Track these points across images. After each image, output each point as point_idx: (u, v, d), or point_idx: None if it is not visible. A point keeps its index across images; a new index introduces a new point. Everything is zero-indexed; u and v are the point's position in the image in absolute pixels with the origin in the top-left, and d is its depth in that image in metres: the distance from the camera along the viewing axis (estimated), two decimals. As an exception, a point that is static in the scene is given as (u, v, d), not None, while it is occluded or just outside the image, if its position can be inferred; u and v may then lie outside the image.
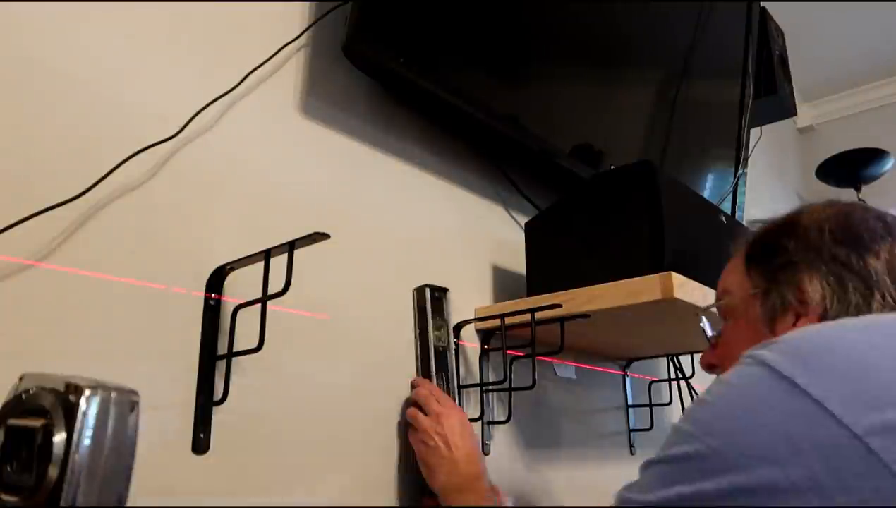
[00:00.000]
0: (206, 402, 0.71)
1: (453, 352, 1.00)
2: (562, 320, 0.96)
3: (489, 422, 1.06)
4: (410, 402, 0.91)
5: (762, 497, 0.39)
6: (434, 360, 0.96)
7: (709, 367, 0.74)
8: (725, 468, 0.41)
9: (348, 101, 0.98)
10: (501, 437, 1.09)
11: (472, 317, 1.06)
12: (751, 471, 0.40)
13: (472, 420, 1.03)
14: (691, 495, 0.42)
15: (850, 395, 0.40)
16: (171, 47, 0.78)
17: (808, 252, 0.61)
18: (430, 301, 0.99)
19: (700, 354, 0.77)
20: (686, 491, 0.42)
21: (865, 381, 0.41)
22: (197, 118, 0.76)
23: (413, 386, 0.94)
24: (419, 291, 1.00)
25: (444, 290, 1.02)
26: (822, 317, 0.58)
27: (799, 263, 0.61)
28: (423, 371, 0.96)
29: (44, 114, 0.66)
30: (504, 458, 1.09)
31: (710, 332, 0.76)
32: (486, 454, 1.06)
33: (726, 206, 1.68)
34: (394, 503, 0.89)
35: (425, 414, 0.86)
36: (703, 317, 0.76)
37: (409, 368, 0.97)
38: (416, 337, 0.98)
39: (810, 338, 0.46)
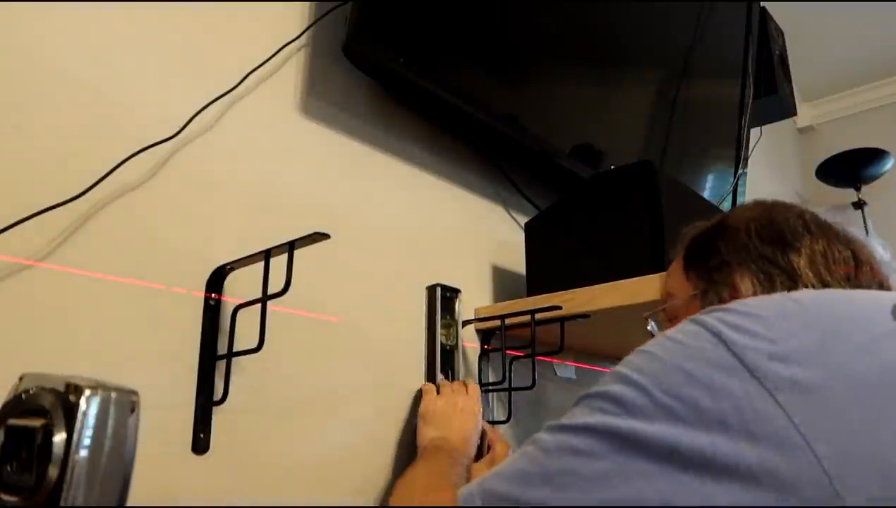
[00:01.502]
0: (206, 402, 0.71)
1: (461, 352, 1.03)
2: (562, 320, 0.96)
3: (489, 422, 1.06)
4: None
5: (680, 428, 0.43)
6: (440, 358, 0.98)
7: None
8: (661, 415, 0.44)
9: (348, 101, 0.98)
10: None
11: (473, 318, 1.06)
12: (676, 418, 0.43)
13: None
14: (623, 426, 0.44)
15: (766, 352, 0.44)
16: (172, 47, 0.78)
17: (739, 252, 0.64)
18: (440, 300, 1.01)
19: None
20: (617, 423, 0.45)
21: (780, 341, 0.45)
22: (197, 118, 0.76)
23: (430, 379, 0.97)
24: (430, 290, 1.02)
25: (456, 291, 1.04)
26: None
27: (731, 263, 0.64)
28: (429, 368, 0.98)
29: (44, 114, 0.66)
30: (504, 458, 1.09)
31: (655, 333, 0.78)
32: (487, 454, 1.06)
33: (726, 206, 1.68)
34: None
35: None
36: (651, 320, 0.79)
37: (409, 368, 0.97)
38: (425, 334, 1.00)
39: (742, 304, 0.51)
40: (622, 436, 0.44)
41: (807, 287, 0.59)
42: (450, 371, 1.00)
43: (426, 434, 0.86)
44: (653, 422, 0.44)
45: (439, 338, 0.99)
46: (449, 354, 1.00)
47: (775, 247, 0.62)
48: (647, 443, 0.43)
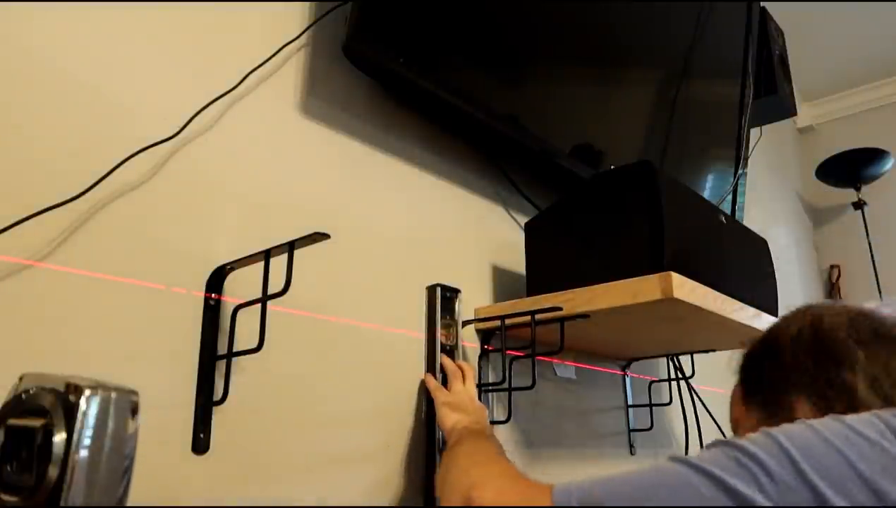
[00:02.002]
0: (206, 402, 0.71)
1: (461, 352, 1.02)
2: (562, 320, 0.96)
3: (490, 422, 1.06)
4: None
5: None
6: (440, 358, 0.98)
7: None
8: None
9: (348, 101, 0.98)
10: (501, 437, 1.09)
11: (473, 318, 1.06)
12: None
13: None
14: (741, 492, 0.43)
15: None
16: (172, 47, 0.78)
17: (791, 374, 0.61)
18: (440, 300, 1.01)
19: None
20: (739, 487, 0.43)
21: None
22: (197, 118, 0.76)
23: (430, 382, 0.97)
24: (430, 290, 1.02)
25: (456, 291, 1.04)
26: None
27: (786, 387, 0.61)
28: (429, 368, 0.98)
29: (44, 114, 0.66)
30: (504, 458, 1.09)
31: None
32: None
33: (726, 206, 1.68)
34: (395, 502, 0.89)
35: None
36: None
37: (409, 367, 0.97)
38: (425, 334, 1.00)
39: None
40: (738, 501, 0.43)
41: (868, 408, 0.54)
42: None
43: (458, 419, 0.86)
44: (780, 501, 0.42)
45: (439, 339, 0.99)
46: (449, 354, 1.00)
47: (827, 366, 0.59)
48: None
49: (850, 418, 0.48)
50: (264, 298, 0.68)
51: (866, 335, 0.59)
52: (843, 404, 0.56)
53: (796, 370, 0.61)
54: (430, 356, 0.99)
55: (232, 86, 0.80)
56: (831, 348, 0.60)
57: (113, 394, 0.43)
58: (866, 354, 0.58)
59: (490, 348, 1.09)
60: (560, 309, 0.96)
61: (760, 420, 0.64)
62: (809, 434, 0.47)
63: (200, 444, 0.70)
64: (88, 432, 0.41)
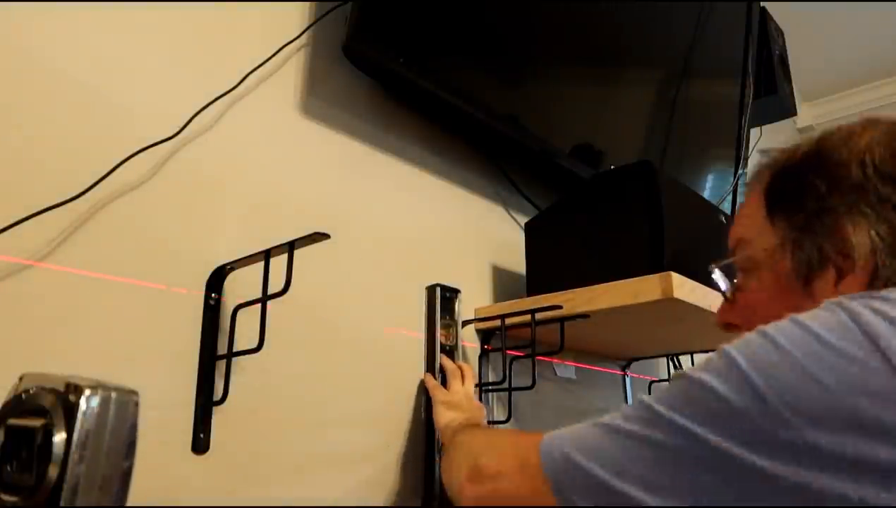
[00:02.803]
0: (206, 402, 0.71)
1: (461, 352, 1.02)
2: (562, 320, 0.96)
3: (489, 422, 1.06)
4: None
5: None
6: (439, 359, 0.98)
7: (726, 326, 0.65)
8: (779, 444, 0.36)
9: (348, 101, 0.98)
10: (501, 437, 1.09)
11: (473, 317, 1.06)
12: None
13: (472, 420, 1.03)
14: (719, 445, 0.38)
15: None
16: (172, 47, 0.78)
17: (849, 193, 0.49)
18: (440, 300, 1.00)
19: (718, 319, 0.66)
20: (712, 438, 0.38)
21: None
22: (197, 118, 0.76)
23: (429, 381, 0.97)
24: (430, 290, 1.02)
25: (456, 291, 1.04)
26: (874, 275, 0.48)
27: (838, 208, 0.50)
28: (429, 368, 0.98)
29: (43, 114, 0.66)
30: (504, 458, 1.09)
31: (724, 286, 0.65)
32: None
33: (726, 206, 1.68)
34: (394, 502, 0.89)
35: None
36: (717, 269, 0.66)
37: (409, 367, 0.97)
38: (425, 335, 1.00)
39: None
40: (711, 452, 0.38)
41: None
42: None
43: (453, 417, 0.84)
44: (767, 455, 0.36)
45: (439, 339, 0.99)
46: (449, 355, 1.00)
47: None
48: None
49: (819, 326, 0.40)
50: (264, 298, 0.68)
51: None
52: None
53: (860, 188, 0.49)
54: (429, 356, 0.99)
55: (232, 87, 0.80)
56: None
57: (113, 394, 0.43)
58: None
59: (490, 348, 1.09)
60: (560, 308, 0.96)
61: (785, 239, 0.54)
62: (766, 348, 0.40)
63: (200, 444, 0.70)
64: (88, 432, 0.41)
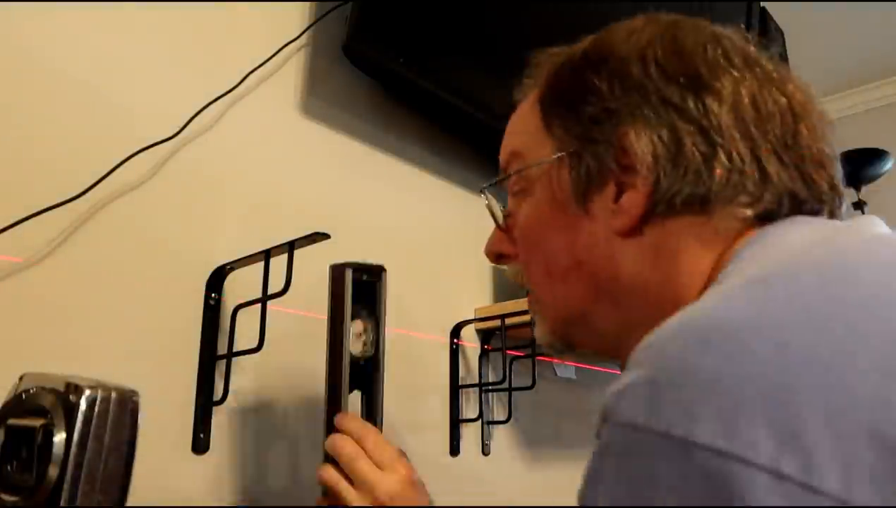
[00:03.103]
0: (206, 402, 0.71)
1: (382, 363, 0.69)
2: (562, 320, 0.96)
3: (489, 422, 1.06)
4: (325, 456, 0.64)
5: None
6: (348, 373, 0.66)
7: (497, 258, 0.57)
8: None
9: (348, 101, 0.98)
10: (501, 437, 1.09)
11: (473, 317, 1.06)
12: None
13: (470, 420, 1.03)
14: None
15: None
16: (172, 47, 0.78)
17: (630, 94, 0.44)
18: (352, 288, 0.67)
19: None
20: None
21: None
22: (197, 118, 0.76)
23: (330, 428, 0.65)
24: (335, 272, 0.68)
25: (378, 272, 0.70)
26: (654, 189, 0.42)
27: (619, 111, 0.44)
28: (332, 387, 0.66)
29: (44, 114, 0.66)
30: (504, 458, 1.09)
31: (498, 213, 0.57)
32: (486, 454, 1.06)
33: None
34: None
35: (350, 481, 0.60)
36: (488, 194, 0.58)
37: (410, 367, 0.97)
38: (327, 337, 0.68)
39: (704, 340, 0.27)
40: None
41: (729, 154, 0.41)
42: (365, 394, 0.68)
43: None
44: None
45: (347, 346, 0.65)
46: (364, 370, 0.67)
47: (685, 89, 0.43)
48: None
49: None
50: (264, 298, 0.68)
51: (736, 55, 0.45)
52: (700, 145, 0.42)
53: (641, 88, 0.43)
54: (332, 370, 0.66)
55: (232, 86, 0.80)
56: (696, 62, 0.44)
57: (113, 394, 0.43)
58: (735, 78, 0.43)
59: (490, 348, 1.09)
60: (560, 309, 0.95)
61: (563, 150, 0.47)
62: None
63: (200, 444, 0.70)
64: (88, 432, 0.41)
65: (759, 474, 0.24)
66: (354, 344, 0.67)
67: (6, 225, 0.59)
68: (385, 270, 0.71)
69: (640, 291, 0.45)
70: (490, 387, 1.05)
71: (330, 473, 0.61)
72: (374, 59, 0.93)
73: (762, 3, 2.01)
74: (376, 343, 0.69)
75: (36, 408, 0.42)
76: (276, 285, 0.66)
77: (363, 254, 0.94)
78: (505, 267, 0.59)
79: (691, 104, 0.42)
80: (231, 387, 0.72)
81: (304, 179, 0.89)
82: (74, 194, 0.64)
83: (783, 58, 2.07)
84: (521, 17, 1.13)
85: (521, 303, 1.03)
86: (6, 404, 0.45)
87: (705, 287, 0.42)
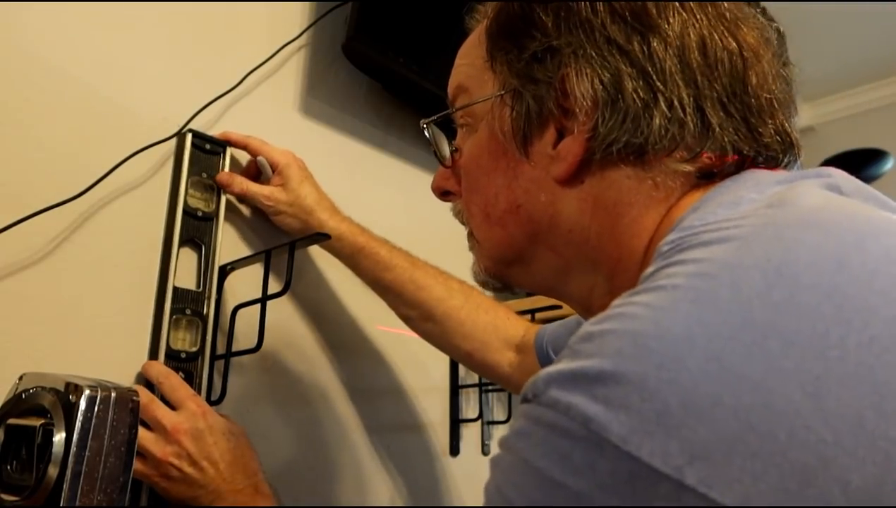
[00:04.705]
0: (204, 401, 0.71)
1: (220, 226, 0.73)
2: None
3: (489, 422, 1.06)
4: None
5: None
6: (180, 228, 0.71)
7: (442, 194, 0.55)
8: None
9: (348, 101, 0.98)
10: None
11: (472, 317, 1.06)
12: None
13: (470, 420, 1.03)
14: None
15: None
16: (172, 47, 0.78)
17: (575, 31, 0.41)
18: (189, 154, 0.73)
19: None
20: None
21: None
22: (197, 118, 0.76)
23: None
24: (178, 142, 0.73)
25: (220, 145, 0.76)
26: (592, 136, 0.41)
27: (562, 50, 0.41)
28: (165, 255, 0.70)
29: (44, 114, 0.66)
30: (504, 458, 1.09)
31: (445, 150, 0.53)
32: (486, 454, 1.06)
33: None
34: (394, 503, 0.89)
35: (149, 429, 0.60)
36: (433, 128, 0.54)
37: (410, 368, 0.97)
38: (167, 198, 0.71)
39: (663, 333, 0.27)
40: None
41: (669, 102, 0.39)
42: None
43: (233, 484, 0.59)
44: None
45: (182, 201, 0.70)
46: (202, 223, 0.72)
47: (632, 28, 0.40)
48: None
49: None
50: (264, 298, 0.68)
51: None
52: (641, 90, 0.39)
53: (587, 26, 0.41)
54: (168, 225, 0.71)
55: (232, 86, 0.80)
56: (646, 4, 0.41)
57: (113, 394, 0.43)
58: (683, 18, 0.41)
59: (490, 348, 1.09)
60: (560, 307, 0.95)
61: (504, 88, 0.45)
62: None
63: (200, 444, 0.70)
64: (88, 432, 0.41)
65: (663, 482, 0.25)
66: (195, 198, 0.72)
67: (6, 225, 0.59)
68: (227, 144, 0.77)
69: (580, 240, 0.44)
70: (490, 387, 1.05)
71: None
72: (373, 58, 0.93)
73: (762, 3, 2.01)
74: (216, 202, 0.75)
75: (36, 408, 0.42)
76: (276, 285, 0.66)
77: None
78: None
79: (636, 46, 0.40)
80: (230, 387, 0.72)
81: (304, 179, 0.89)
82: (74, 194, 0.64)
83: (783, 58, 2.07)
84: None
85: (522, 303, 1.03)
86: (6, 404, 0.45)
87: (647, 249, 0.41)
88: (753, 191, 0.36)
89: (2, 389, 0.50)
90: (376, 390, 0.91)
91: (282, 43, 0.88)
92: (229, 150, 0.78)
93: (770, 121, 0.42)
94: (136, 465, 0.54)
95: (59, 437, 0.40)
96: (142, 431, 0.56)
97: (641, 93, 0.39)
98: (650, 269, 0.33)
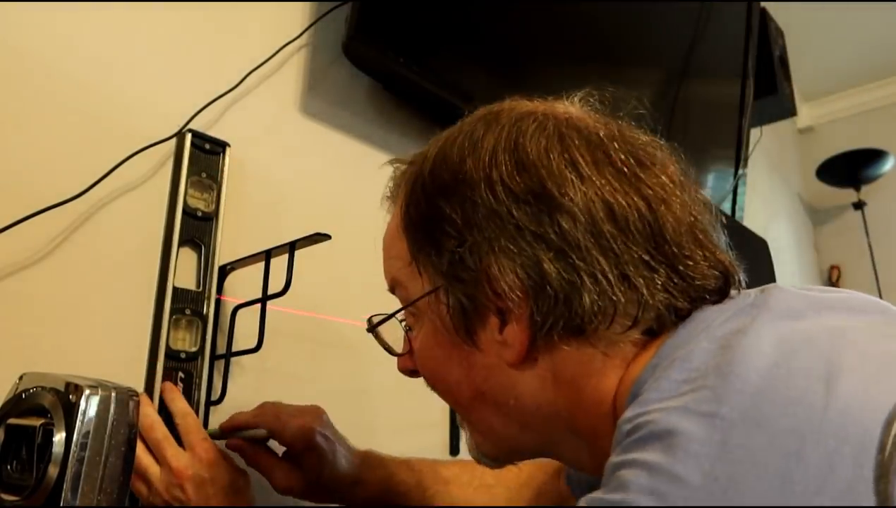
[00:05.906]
0: (204, 402, 0.71)
1: (221, 225, 0.73)
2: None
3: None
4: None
5: None
6: (179, 228, 0.70)
7: (411, 373, 0.53)
8: None
9: (349, 101, 0.98)
10: (501, 437, 1.09)
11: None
12: None
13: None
14: None
15: None
16: (172, 47, 0.78)
17: (486, 225, 0.40)
18: (188, 154, 0.72)
19: None
20: None
21: None
22: (197, 118, 0.76)
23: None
24: (178, 142, 0.72)
25: (221, 145, 0.76)
26: (531, 321, 0.40)
27: (479, 244, 0.41)
28: (165, 245, 0.69)
29: (44, 114, 0.66)
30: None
31: (396, 346, 0.55)
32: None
33: (726, 206, 1.68)
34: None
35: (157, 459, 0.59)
36: (377, 328, 0.56)
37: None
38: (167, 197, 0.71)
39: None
40: None
41: (593, 276, 0.38)
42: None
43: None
44: None
45: (182, 200, 0.69)
46: (202, 223, 0.71)
47: (537, 209, 0.39)
48: None
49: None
50: (264, 298, 0.68)
51: (585, 160, 0.40)
52: (561, 268, 0.38)
53: (497, 218, 0.40)
54: (167, 229, 0.70)
55: (232, 86, 0.80)
56: (542, 173, 0.40)
57: (113, 394, 0.43)
58: (582, 185, 0.39)
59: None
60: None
61: (433, 285, 0.44)
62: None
63: (200, 444, 0.70)
64: (88, 432, 0.41)
65: None
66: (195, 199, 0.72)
67: (6, 225, 0.59)
68: (228, 145, 0.76)
69: (551, 414, 0.44)
70: (490, 387, 1.05)
71: (140, 451, 0.58)
72: (374, 58, 0.93)
73: (762, 4, 2.01)
74: (216, 201, 0.74)
75: (36, 408, 0.42)
76: (276, 285, 0.66)
77: (364, 254, 0.94)
78: None
79: (546, 227, 0.39)
80: (230, 387, 0.72)
81: (304, 179, 0.89)
82: (74, 194, 0.64)
83: (783, 58, 2.07)
84: (522, 17, 1.14)
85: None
86: (6, 403, 0.45)
87: (614, 404, 0.41)
88: (704, 339, 0.36)
89: (2, 389, 0.50)
90: (376, 390, 0.91)
91: (282, 43, 0.88)
92: (229, 151, 0.78)
93: (700, 255, 0.41)
94: (142, 489, 0.57)
95: (59, 437, 0.40)
96: (152, 463, 0.58)
97: (565, 275, 0.39)
98: (613, 458, 0.33)
